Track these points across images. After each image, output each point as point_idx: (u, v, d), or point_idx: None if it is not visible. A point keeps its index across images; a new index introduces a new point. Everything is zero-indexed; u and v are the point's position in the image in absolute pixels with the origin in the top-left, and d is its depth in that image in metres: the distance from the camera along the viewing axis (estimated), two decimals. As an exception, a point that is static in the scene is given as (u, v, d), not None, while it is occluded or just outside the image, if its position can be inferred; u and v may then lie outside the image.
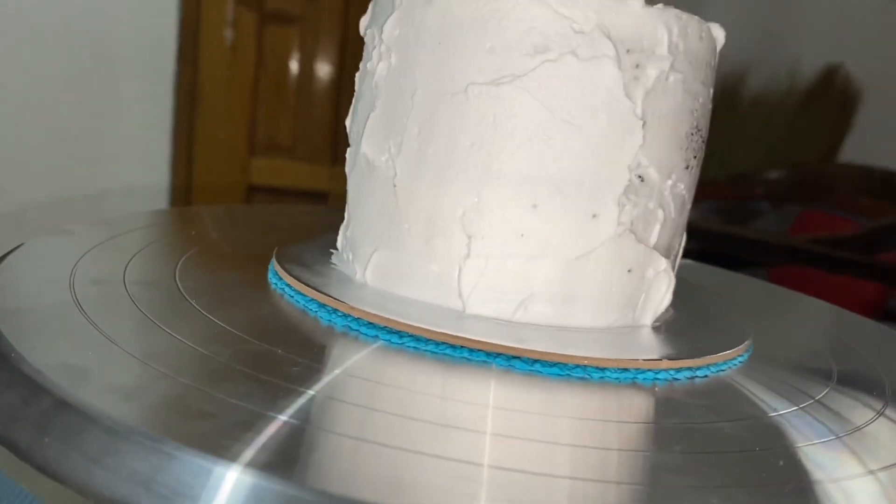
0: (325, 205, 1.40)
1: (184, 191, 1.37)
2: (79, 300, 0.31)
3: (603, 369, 0.30)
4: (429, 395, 0.27)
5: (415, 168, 0.33)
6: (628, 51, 0.31)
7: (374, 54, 0.35)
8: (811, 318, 0.47)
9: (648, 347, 0.33)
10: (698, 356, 0.32)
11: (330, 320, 0.32)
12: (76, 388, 0.24)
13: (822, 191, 1.36)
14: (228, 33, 1.38)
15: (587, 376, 0.30)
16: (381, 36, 0.34)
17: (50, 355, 0.26)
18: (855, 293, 1.22)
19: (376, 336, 0.30)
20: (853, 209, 1.30)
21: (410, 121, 0.33)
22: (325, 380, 0.26)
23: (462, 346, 0.30)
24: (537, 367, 0.29)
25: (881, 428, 0.30)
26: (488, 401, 0.27)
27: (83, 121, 1.29)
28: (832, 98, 1.40)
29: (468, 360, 0.30)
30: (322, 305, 0.32)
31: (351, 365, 0.28)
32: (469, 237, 0.32)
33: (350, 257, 0.36)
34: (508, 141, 0.31)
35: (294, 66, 1.41)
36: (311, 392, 0.25)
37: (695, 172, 0.35)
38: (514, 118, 0.31)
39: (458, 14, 0.32)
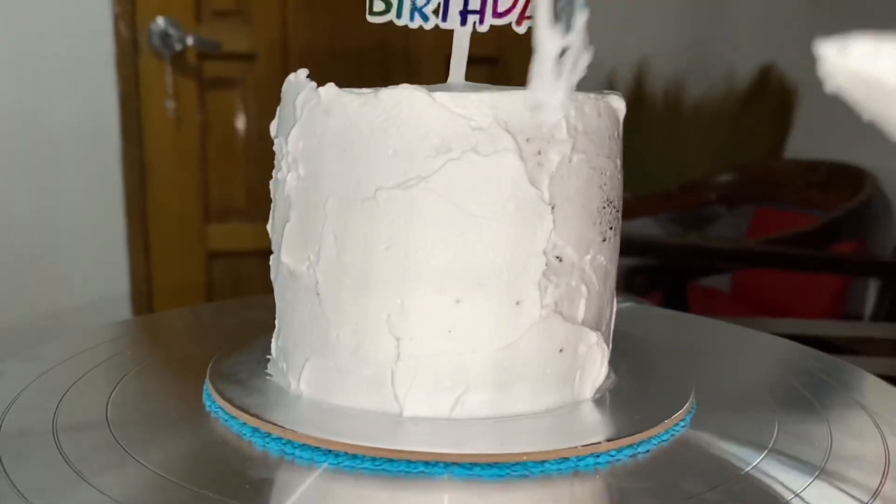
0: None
1: (143, 271, 1.35)
2: (2, 460, 0.30)
3: (542, 463, 0.30)
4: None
5: (335, 275, 0.33)
6: (528, 140, 0.31)
7: (283, 164, 0.35)
8: (752, 356, 0.47)
9: (588, 429, 0.33)
10: (638, 431, 0.32)
11: (264, 446, 0.31)
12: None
13: (772, 189, 1.39)
14: (170, 104, 1.38)
15: (528, 473, 0.29)
16: (287, 147, 0.34)
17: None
18: (817, 286, 1.24)
19: (312, 459, 0.30)
20: (804, 203, 1.33)
21: (325, 229, 0.33)
22: (258, 526, 0.26)
23: (399, 459, 0.30)
24: (476, 471, 0.29)
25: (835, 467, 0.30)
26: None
27: (32, 211, 1.27)
28: (770, 97, 1.43)
29: (407, 473, 0.29)
30: (255, 430, 0.32)
31: None
32: (397, 339, 0.32)
33: (284, 367, 0.36)
34: (423, 241, 0.32)
35: (240, 128, 1.41)
36: (241, 543, 0.24)
37: (613, 242, 0.35)
38: (426, 218, 0.31)
39: (357, 123, 0.32)
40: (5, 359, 0.40)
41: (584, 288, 0.34)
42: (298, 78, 0.35)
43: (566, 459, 0.30)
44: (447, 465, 0.29)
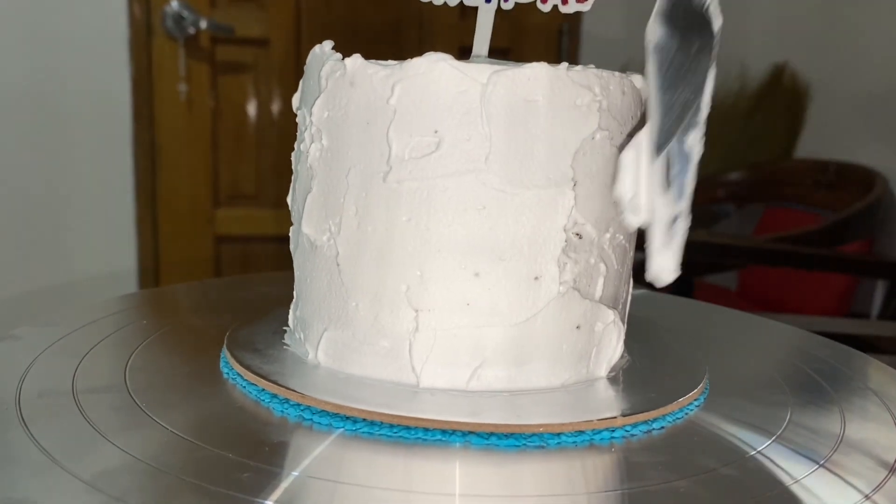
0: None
1: (151, 253, 1.35)
2: (25, 419, 0.30)
3: (559, 435, 0.30)
4: (391, 490, 0.27)
5: (356, 246, 0.33)
6: (552, 115, 0.31)
7: (307, 135, 0.35)
8: (765, 343, 0.47)
9: (603, 404, 0.33)
10: (653, 408, 0.32)
11: (283, 411, 0.31)
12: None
13: (781, 188, 1.39)
14: (182, 87, 1.38)
15: (544, 444, 0.30)
16: (311, 118, 0.34)
17: (-6, 488, 0.25)
18: (823, 286, 1.24)
19: (330, 425, 0.30)
20: (813, 203, 1.33)
21: (347, 200, 0.33)
22: (282, 486, 0.26)
23: (417, 427, 0.30)
24: (493, 440, 0.29)
25: (846, 453, 0.31)
26: (454, 489, 0.27)
27: (43, 190, 1.28)
28: (782, 97, 1.43)
29: (425, 440, 0.29)
30: (274, 396, 0.32)
31: (307, 466, 0.27)
32: (416, 311, 0.32)
33: (301, 337, 0.36)
34: (444, 213, 0.32)
35: (251, 113, 1.41)
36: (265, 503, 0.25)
37: None
38: (447, 191, 0.32)
39: (382, 94, 0.32)
40: (18, 325, 0.41)
41: (602, 266, 0.34)
42: (324, 49, 0.35)
43: (582, 433, 0.30)
44: (464, 434, 0.30)
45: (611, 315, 0.34)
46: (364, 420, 0.30)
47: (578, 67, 0.32)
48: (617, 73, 0.33)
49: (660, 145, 0.25)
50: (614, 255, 0.34)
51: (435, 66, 0.31)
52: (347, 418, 0.30)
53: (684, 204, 0.28)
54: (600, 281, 0.34)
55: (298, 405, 0.31)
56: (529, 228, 0.32)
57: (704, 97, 0.25)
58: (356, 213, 0.33)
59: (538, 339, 0.33)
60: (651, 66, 0.25)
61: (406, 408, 0.30)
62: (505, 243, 0.32)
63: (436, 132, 0.31)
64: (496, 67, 0.31)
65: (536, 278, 0.32)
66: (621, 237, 0.35)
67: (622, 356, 0.37)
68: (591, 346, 0.34)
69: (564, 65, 0.32)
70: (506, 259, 0.32)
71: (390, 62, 0.32)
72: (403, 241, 0.32)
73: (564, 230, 0.32)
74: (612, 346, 0.35)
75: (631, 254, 0.36)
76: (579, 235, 0.33)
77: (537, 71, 0.31)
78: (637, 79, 0.35)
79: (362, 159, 0.33)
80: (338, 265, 0.34)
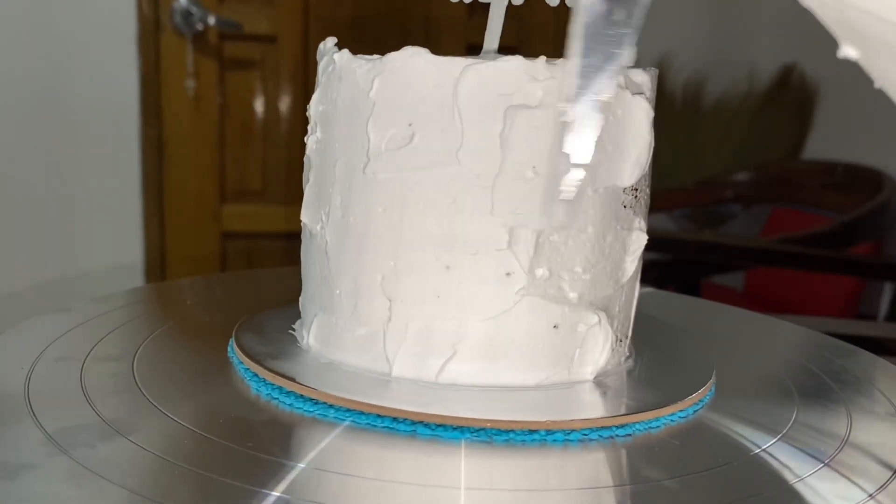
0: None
1: (158, 248, 1.36)
2: (33, 410, 0.30)
3: (507, 431, 0.30)
4: (398, 483, 0.27)
5: (340, 236, 0.34)
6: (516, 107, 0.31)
7: (309, 129, 0.36)
8: (773, 342, 0.47)
9: (576, 406, 0.32)
10: (656, 406, 0.32)
11: (283, 401, 0.32)
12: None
13: (789, 188, 1.38)
14: (190, 83, 1.38)
15: (477, 438, 0.29)
16: (310, 112, 0.35)
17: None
18: (831, 287, 1.23)
19: (331, 416, 0.31)
20: (820, 204, 1.32)
21: (335, 191, 0.34)
22: (289, 477, 0.26)
23: (385, 416, 0.30)
24: (439, 431, 0.30)
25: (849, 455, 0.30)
26: (459, 482, 0.27)
27: (50, 185, 1.28)
28: (790, 97, 1.42)
29: (394, 430, 0.30)
30: (277, 387, 0.33)
31: (313, 457, 0.28)
32: (390, 301, 0.32)
33: (301, 322, 0.37)
34: (416, 205, 0.32)
35: (258, 110, 1.41)
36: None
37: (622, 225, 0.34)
38: (420, 183, 0.32)
39: (363, 88, 0.32)
40: (25, 318, 0.41)
41: (578, 268, 0.32)
42: (326, 45, 0.35)
43: (535, 432, 0.30)
44: (428, 425, 0.30)
45: (594, 317, 0.33)
46: (342, 408, 0.31)
47: (559, 61, 0.31)
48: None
49: None
50: (593, 257, 0.33)
51: (411, 60, 0.31)
52: (322, 404, 0.31)
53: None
54: (578, 282, 0.32)
55: (278, 388, 0.32)
56: (500, 224, 0.31)
57: None
58: (341, 204, 0.33)
59: (510, 336, 0.32)
60: None
61: (378, 395, 0.31)
62: (475, 238, 0.31)
63: (410, 125, 0.31)
64: (470, 61, 0.31)
65: (508, 274, 0.32)
66: (608, 239, 0.33)
67: (626, 357, 0.36)
68: (572, 348, 0.33)
69: (542, 58, 0.31)
70: (476, 254, 0.31)
71: (373, 56, 0.33)
72: (379, 232, 0.32)
73: (538, 228, 0.31)
74: (597, 349, 0.33)
75: (623, 257, 0.34)
76: (554, 234, 0.32)
77: (512, 64, 0.30)
78: (636, 73, 0.34)
79: (346, 151, 0.33)
80: (326, 253, 0.34)
